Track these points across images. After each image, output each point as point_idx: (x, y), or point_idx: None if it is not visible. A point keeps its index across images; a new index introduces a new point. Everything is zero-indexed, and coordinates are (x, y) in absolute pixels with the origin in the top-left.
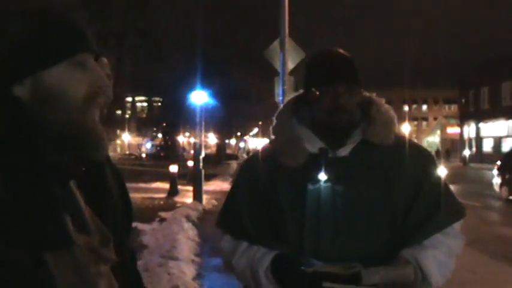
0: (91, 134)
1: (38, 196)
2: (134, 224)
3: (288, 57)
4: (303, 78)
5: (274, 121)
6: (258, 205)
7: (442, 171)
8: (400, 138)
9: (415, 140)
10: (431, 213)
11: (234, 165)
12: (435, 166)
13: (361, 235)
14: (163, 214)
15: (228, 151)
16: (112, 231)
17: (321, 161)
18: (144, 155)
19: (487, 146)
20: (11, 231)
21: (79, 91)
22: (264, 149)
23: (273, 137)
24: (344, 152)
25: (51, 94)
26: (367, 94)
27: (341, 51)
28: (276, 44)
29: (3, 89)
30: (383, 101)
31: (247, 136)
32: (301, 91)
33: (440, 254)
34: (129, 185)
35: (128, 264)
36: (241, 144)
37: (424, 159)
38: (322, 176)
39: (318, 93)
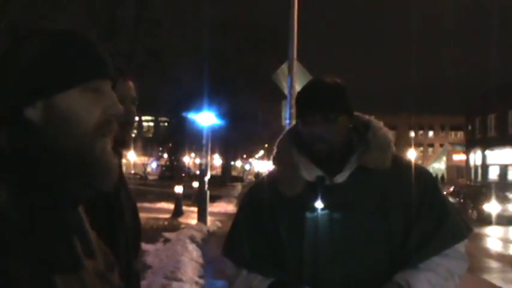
0: (99, 163)
1: (50, 219)
2: None
3: (296, 81)
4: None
5: (275, 149)
6: (258, 233)
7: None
8: (397, 161)
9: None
10: (429, 235)
11: (239, 187)
12: (435, 186)
13: (359, 261)
14: (167, 235)
15: (233, 173)
16: (122, 252)
17: (317, 189)
18: (150, 177)
19: (493, 174)
20: (22, 252)
21: (92, 117)
22: (267, 177)
23: (273, 166)
24: (341, 178)
25: (63, 118)
26: (365, 117)
27: (325, 79)
28: (284, 67)
29: (15, 110)
30: (381, 124)
31: (253, 158)
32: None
33: (435, 276)
34: None
35: (132, 286)
36: (247, 167)
37: (423, 180)
38: (319, 204)
39: (301, 123)
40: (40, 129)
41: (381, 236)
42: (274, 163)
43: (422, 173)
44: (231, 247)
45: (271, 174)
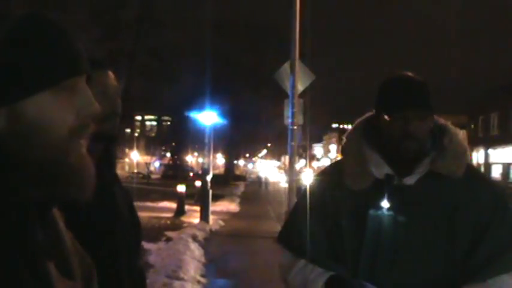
0: (74, 173)
1: (13, 243)
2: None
3: (298, 80)
4: (374, 102)
5: (344, 140)
6: (319, 225)
7: None
8: (471, 171)
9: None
10: (499, 252)
11: (241, 186)
12: (506, 202)
13: (419, 267)
14: (169, 234)
15: (236, 172)
16: (123, 251)
17: (385, 187)
18: (152, 176)
19: (496, 173)
20: None
21: (65, 123)
22: (331, 169)
23: (341, 156)
24: (410, 180)
25: (30, 127)
26: (441, 121)
27: (413, 76)
28: (286, 66)
29: None
30: (458, 130)
31: (256, 157)
32: (370, 113)
33: None
34: (136, 203)
35: (137, 284)
36: (250, 166)
37: (495, 195)
38: (385, 204)
39: (388, 118)
40: (3, 140)
41: (444, 246)
42: (342, 154)
43: (494, 186)
44: (288, 235)
45: (337, 165)
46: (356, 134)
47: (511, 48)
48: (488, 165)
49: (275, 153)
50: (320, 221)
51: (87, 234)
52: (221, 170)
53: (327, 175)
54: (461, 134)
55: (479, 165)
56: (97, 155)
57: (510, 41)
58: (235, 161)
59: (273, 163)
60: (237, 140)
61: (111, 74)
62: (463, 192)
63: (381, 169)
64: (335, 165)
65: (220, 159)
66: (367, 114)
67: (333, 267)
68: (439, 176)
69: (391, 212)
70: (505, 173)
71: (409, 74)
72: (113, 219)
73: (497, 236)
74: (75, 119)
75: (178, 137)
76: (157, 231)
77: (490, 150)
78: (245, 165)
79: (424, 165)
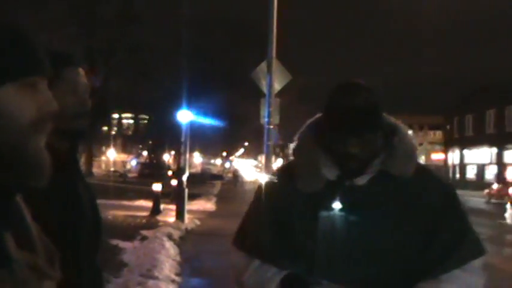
0: (30, 161)
1: None
2: (115, 242)
3: (275, 79)
4: (324, 110)
5: (296, 141)
6: (273, 226)
7: None
8: (421, 169)
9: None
10: (451, 248)
11: (218, 185)
12: (456, 197)
13: (373, 266)
14: (145, 232)
15: (213, 171)
16: (83, 247)
17: (337, 188)
18: (129, 174)
19: (471, 173)
20: None
21: (26, 114)
22: (283, 170)
23: (292, 158)
24: (362, 181)
25: None
26: (392, 120)
27: (359, 94)
28: (263, 65)
29: None
30: (407, 129)
31: (233, 156)
32: (320, 115)
33: None
34: (112, 202)
35: (95, 281)
36: (227, 164)
37: (445, 192)
38: (337, 205)
39: (331, 135)
40: None
41: (397, 243)
42: (294, 156)
43: (443, 183)
44: (242, 237)
45: (289, 167)
46: (307, 135)
47: (487, 51)
48: (463, 166)
49: (252, 153)
50: (273, 222)
51: (49, 227)
52: (198, 169)
53: (279, 177)
54: (411, 135)
55: (454, 165)
56: (65, 151)
57: (486, 44)
58: (212, 160)
59: (250, 162)
60: (214, 138)
61: (81, 71)
62: (413, 191)
63: (332, 170)
64: (287, 167)
65: (197, 158)
66: (318, 115)
67: (288, 266)
68: (390, 175)
69: (342, 213)
70: (480, 174)
71: (356, 89)
72: (75, 214)
73: (449, 232)
74: (36, 113)
75: (155, 135)
76: (133, 230)
77: (465, 151)
78: (222, 164)
79: (374, 166)
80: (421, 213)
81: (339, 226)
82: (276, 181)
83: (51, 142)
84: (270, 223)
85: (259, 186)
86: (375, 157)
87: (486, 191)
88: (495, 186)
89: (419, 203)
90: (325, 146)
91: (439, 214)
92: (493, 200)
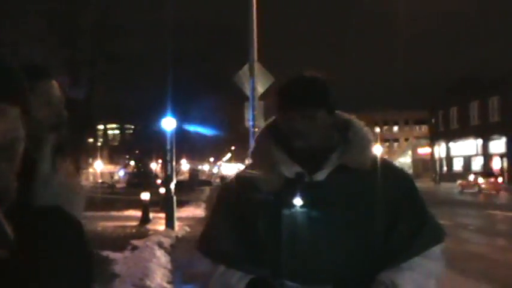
0: None
1: None
2: (105, 253)
3: (258, 82)
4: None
5: (253, 145)
6: (235, 229)
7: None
8: (377, 161)
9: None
10: (411, 236)
11: (207, 191)
12: (414, 187)
13: (338, 259)
14: (135, 242)
15: (202, 177)
16: None
17: (296, 185)
18: (117, 185)
19: (457, 165)
20: None
21: None
22: (242, 173)
23: (250, 161)
24: (321, 176)
25: None
26: (345, 116)
27: (307, 75)
28: (245, 69)
29: None
30: (362, 123)
31: (220, 161)
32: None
33: (418, 276)
34: (101, 213)
35: None
36: (215, 170)
37: (403, 181)
38: (298, 201)
39: (280, 119)
40: None
41: (359, 235)
42: (252, 158)
43: (401, 173)
44: (207, 243)
45: (246, 170)
46: (264, 136)
47: (470, 44)
48: (449, 158)
49: (239, 157)
50: (236, 225)
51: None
52: (186, 176)
53: (240, 179)
54: (366, 128)
55: (441, 159)
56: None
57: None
58: (200, 166)
59: (238, 166)
60: (201, 144)
61: (55, 83)
62: (372, 183)
63: (290, 168)
64: (248, 169)
65: (185, 165)
66: (275, 117)
67: (253, 270)
68: (348, 169)
69: (304, 209)
70: (466, 165)
71: (305, 74)
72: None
73: (408, 221)
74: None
75: (141, 144)
76: (123, 240)
77: (450, 144)
78: (210, 170)
79: (332, 160)
80: (380, 204)
81: (301, 223)
82: (237, 183)
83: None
84: (232, 227)
85: (220, 191)
86: (332, 151)
87: (459, 181)
88: (471, 177)
89: (379, 195)
90: (281, 142)
91: (398, 204)
92: (465, 190)
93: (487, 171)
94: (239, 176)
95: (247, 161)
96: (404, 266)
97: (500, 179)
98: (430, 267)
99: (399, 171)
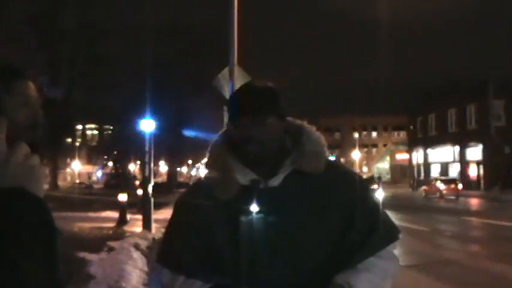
0: None
1: None
2: (82, 254)
3: (237, 86)
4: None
5: (208, 153)
6: (194, 238)
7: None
8: (331, 165)
9: (366, 167)
10: (366, 237)
11: None
12: (367, 188)
13: (297, 264)
14: (112, 243)
15: (180, 179)
16: None
17: (252, 192)
18: (95, 186)
19: (435, 172)
20: None
21: None
22: (199, 181)
23: (206, 170)
24: (275, 182)
25: None
26: (297, 122)
27: (256, 83)
28: (225, 72)
29: None
30: (314, 128)
31: (199, 164)
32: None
33: (374, 276)
34: (78, 214)
35: None
36: (193, 172)
37: (356, 183)
38: (254, 208)
39: (232, 127)
40: None
41: (316, 239)
42: (207, 167)
43: (354, 176)
44: (166, 253)
45: (206, 177)
46: (219, 144)
47: (449, 51)
48: (427, 165)
49: None
50: (195, 235)
51: None
52: (164, 178)
53: (197, 189)
54: (318, 133)
55: (418, 165)
56: None
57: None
58: (178, 168)
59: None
60: (180, 146)
61: (31, 83)
62: (326, 186)
63: (245, 175)
64: (204, 178)
65: (163, 167)
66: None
67: (213, 278)
68: (302, 174)
69: (261, 215)
70: (443, 172)
71: (253, 81)
72: None
73: (362, 222)
74: None
75: (120, 145)
76: (100, 242)
77: (428, 150)
78: (188, 172)
79: (286, 166)
80: (335, 207)
81: (258, 229)
82: (194, 193)
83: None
84: (191, 236)
85: (178, 200)
86: (286, 157)
87: (423, 187)
88: (438, 183)
89: (333, 198)
90: (234, 150)
91: (352, 206)
92: (428, 196)
93: (447, 178)
94: (196, 184)
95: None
96: (360, 266)
97: (460, 185)
98: (386, 267)
99: (352, 174)
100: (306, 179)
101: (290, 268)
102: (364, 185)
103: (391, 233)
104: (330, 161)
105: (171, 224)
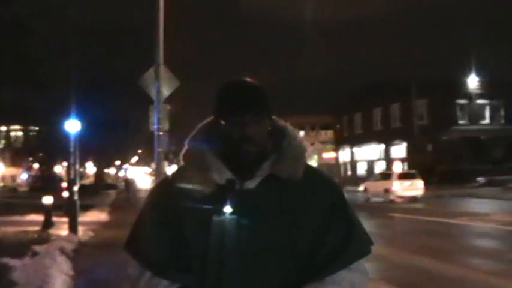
0: None
1: None
2: (4, 261)
3: (163, 86)
4: (213, 109)
5: (186, 146)
6: (164, 235)
7: None
8: (310, 172)
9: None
10: (338, 249)
11: (112, 194)
12: (343, 198)
13: (265, 269)
14: (36, 248)
15: (108, 180)
16: None
17: (227, 192)
18: (20, 188)
19: (361, 169)
20: None
21: None
22: (174, 175)
23: (182, 163)
24: (251, 184)
25: None
26: (282, 123)
27: (249, 80)
28: (150, 72)
29: None
30: (297, 131)
31: (127, 165)
32: (210, 118)
33: None
34: (1, 218)
35: None
36: (121, 173)
37: (333, 193)
38: (228, 209)
39: (225, 123)
40: None
41: (288, 245)
42: (184, 161)
43: (332, 184)
44: (135, 245)
45: (179, 172)
46: (197, 139)
47: (374, 52)
48: (354, 163)
49: (146, 160)
50: (164, 230)
51: None
52: (92, 179)
53: (170, 182)
54: (301, 138)
55: (345, 163)
56: None
57: (373, 42)
58: (106, 169)
59: (145, 169)
60: (107, 147)
61: None
62: (302, 194)
63: (222, 174)
64: (178, 172)
65: (90, 168)
66: (208, 119)
67: (179, 278)
68: (279, 178)
69: (233, 217)
70: (369, 169)
71: (245, 79)
72: None
73: (336, 234)
74: None
75: (46, 147)
76: (24, 246)
77: (355, 149)
78: (116, 173)
79: (264, 169)
80: (309, 215)
81: (229, 230)
82: (166, 187)
83: None
84: (161, 231)
85: (152, 190)
86: (265, 160)
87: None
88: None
89: (308, 205)
90: (214, 147)
91: (327, 215)
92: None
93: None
94: (171, 178)
95: (153, 165)
96: (328, 280)
97: None
98: (354, 280)
99: (330, 183)
100: (283, 185)
101: (257, 272)
102: (341, 194)
103: (364, 247)
104: (310, 167)
105: (143, 214)
